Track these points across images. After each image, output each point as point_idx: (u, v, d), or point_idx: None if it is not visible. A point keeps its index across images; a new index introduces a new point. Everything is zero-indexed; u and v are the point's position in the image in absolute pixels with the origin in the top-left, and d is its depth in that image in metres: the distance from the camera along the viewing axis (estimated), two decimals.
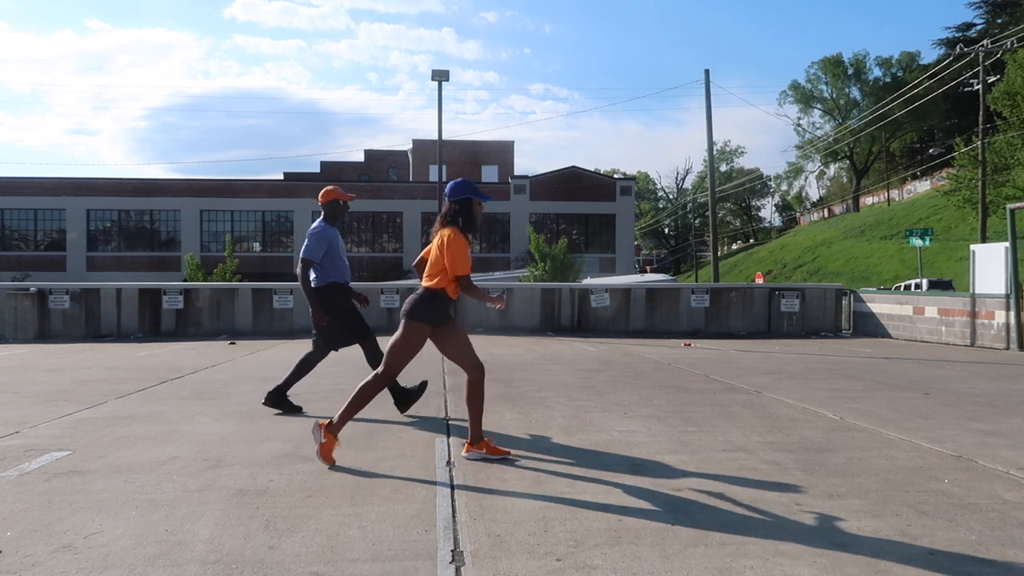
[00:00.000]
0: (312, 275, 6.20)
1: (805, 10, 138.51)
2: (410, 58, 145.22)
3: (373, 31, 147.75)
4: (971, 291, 14.17)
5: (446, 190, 4.77)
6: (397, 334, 4.68)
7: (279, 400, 6.39)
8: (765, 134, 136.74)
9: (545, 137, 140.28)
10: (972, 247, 14.93)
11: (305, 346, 6.72)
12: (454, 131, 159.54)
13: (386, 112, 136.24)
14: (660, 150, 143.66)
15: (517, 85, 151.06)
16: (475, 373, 4.78)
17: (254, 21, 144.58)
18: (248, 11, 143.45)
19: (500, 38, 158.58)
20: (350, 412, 4.61)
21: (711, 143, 31.20)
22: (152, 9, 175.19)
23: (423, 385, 6.47)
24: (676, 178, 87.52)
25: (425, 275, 4.72)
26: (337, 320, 6.25)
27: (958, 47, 34.34)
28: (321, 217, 6.41)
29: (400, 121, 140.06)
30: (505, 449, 4.83)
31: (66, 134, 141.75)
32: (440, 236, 4.67)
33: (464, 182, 4.76)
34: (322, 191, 6.48)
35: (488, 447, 4.74)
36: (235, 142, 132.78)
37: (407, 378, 6.48)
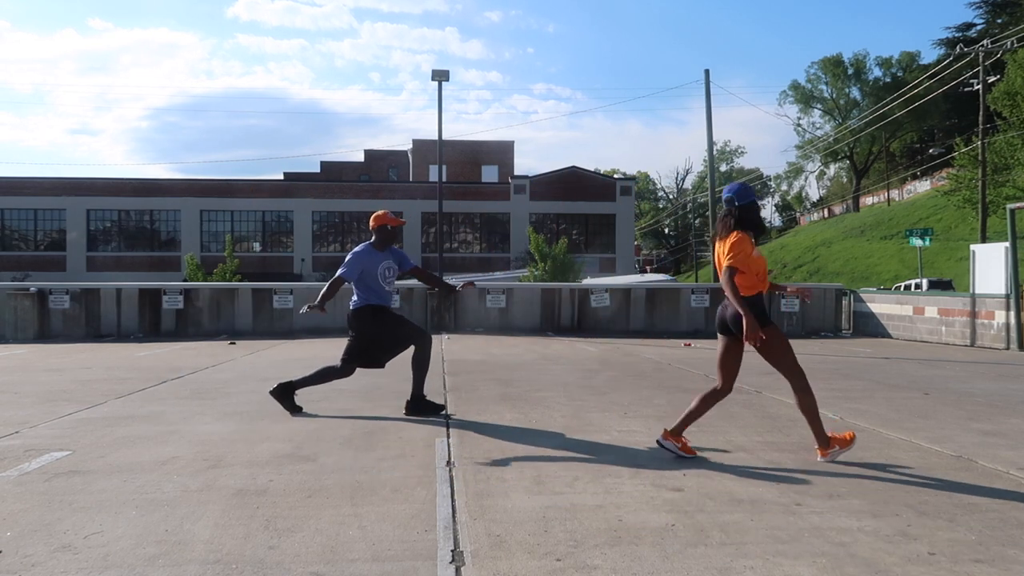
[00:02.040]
0: (353, 297, 6.24)
1: (805, 10, 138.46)
2: (413, 58, 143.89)
3: (376, 30, 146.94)
4: (971, 291, 14.16)
5: (731, 193, 4.68)
6: (726, 350, 4.69)
7: (285, 394, 6.37)
8: (765, 134, 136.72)
9: (548, 137, 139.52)
10: (972, 247, 14.93)
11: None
12: (456, 131, 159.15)
13: (388, 112, 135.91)
14: (663, 149, 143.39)
15: (520, 85, 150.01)
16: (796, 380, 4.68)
17: (257, 20, 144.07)
18: (251, 10, 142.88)
19: (503, 38, 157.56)
20: (691, 419, 4.72)
21: (711, 143, 31.23)
22: (154, 9, 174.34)
23: (440, 408, 6.40)
24: (676, 178, 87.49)
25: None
26: (373, 342, 6.24)
27: (958, 47, 34.34)
28: (371, 241, 6.34)
29: (403, 121, 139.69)
30: (848, 434, 4.75)
31: (67, 134, 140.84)
32: (727, 241, 4.59)
33: (744, 186, 4.71)
34: (373, 215, 6.41)
35: (839, 441, 4.69)
36: (236, 142, 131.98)
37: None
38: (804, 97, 71.12)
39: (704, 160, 56.31)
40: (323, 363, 6.67)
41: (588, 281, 25.27)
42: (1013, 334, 13.01)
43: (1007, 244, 13.37)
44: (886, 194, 63.85)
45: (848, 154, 69.15)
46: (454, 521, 3.49)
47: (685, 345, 13.75)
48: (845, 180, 78.07)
